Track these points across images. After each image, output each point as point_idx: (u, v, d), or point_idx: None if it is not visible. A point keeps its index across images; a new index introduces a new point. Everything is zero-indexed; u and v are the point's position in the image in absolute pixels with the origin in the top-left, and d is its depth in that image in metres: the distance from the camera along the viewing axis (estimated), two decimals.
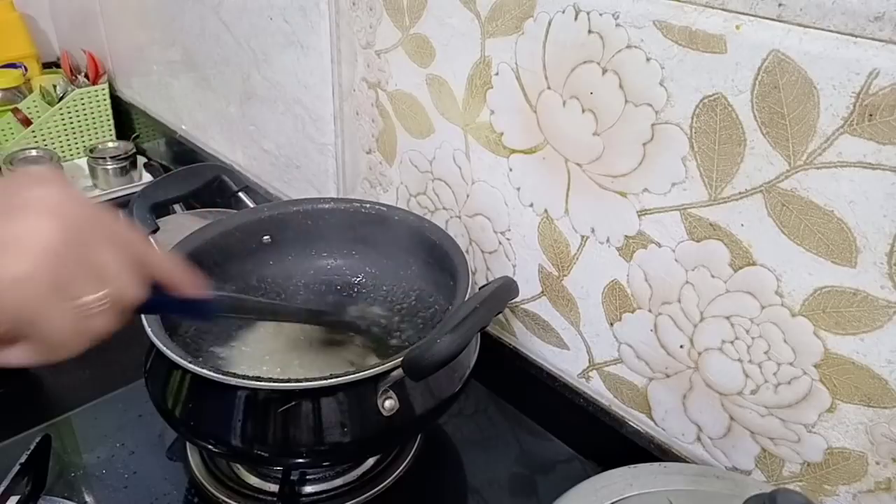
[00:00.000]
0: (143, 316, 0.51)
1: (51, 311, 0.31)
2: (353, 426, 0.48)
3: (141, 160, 1.15)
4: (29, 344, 0.32)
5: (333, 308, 0.65)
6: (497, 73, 0.57)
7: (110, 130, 1.22)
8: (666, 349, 0.54)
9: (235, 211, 0.67)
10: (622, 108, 0.49)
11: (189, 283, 0.40)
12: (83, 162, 1.14)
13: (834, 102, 0.39)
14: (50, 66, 1.38)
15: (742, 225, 0.46)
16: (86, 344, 0.33)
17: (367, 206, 0.67)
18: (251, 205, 0.68)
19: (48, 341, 0.32)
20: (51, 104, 1.16)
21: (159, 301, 0.38)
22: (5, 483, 0.52)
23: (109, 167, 1.10)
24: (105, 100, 1.19)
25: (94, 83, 1.19)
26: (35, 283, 0.30)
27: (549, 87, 0.53)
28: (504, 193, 0.62)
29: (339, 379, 0.47)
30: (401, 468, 0.60)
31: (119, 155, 1.10)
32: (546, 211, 0.59)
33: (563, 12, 0.50)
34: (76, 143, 1.19)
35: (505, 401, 0.69)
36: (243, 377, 0.46)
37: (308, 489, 0.58)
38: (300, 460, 0.50)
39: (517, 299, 0.65)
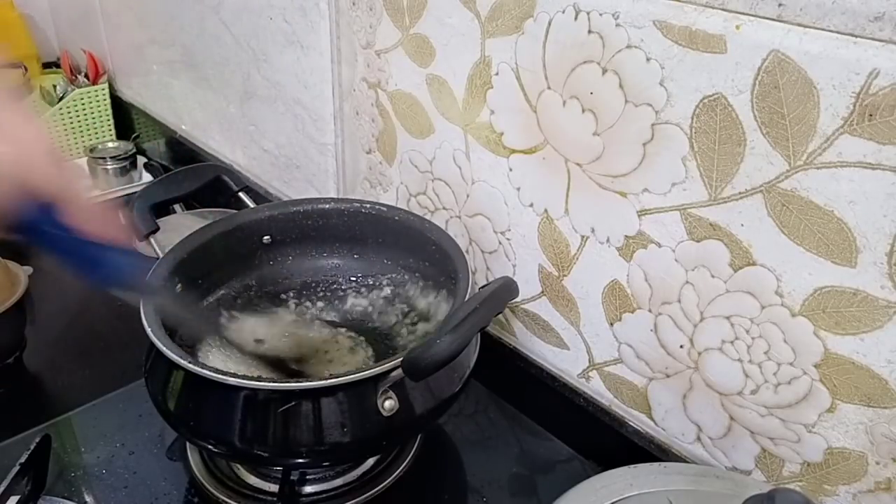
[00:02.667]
0: (143, 316, 0.51)
1: None
2: (353, 426, 0.48)
3: (141, 160, 1.15)
4: None
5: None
6: (497, 73, 0.57)
7: (110, 130, 1.22)
8: (666, 349, 0.54)
9: (235, 211, 0.67)
10: (622, 108, 0.49)
11: (84, 213, 0.35)
12: (83, 162, 1.14)
13: (834, 102, 0.39)
14: (50, 66, 1.38)
15: (742, 225, 0.46)
16: None
17: (367, 206, 0.67)
18: (251, 205, 0.68)
19: None
20: (51, 104, 1.16)
21: (46, 225, 0.33)
22: (5, 483, 0.52)
23: (109, 167, 1.10)
24: (105, 100, 1.19)
25: (94, 83, 1.19)
26: None
27: (549, 87, 0.53)
28: (504, 193, 0.62)
29: (339, 379, 0.47)
30: (401, 468, 0.60)
31: (119, 155, 1.10)
32: (546, 211, 0.59)
33: (563, 12, 0.50)
34: (76, 143, 1.19)
35: (505, 401, 0.69)
36: (243, 377, 0.46)
37: (308, 489, 0.58)
38: (300, 460, 0.50)
39: (517, 299, 0.65)
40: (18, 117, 0.33)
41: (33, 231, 0.34)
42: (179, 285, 0.59)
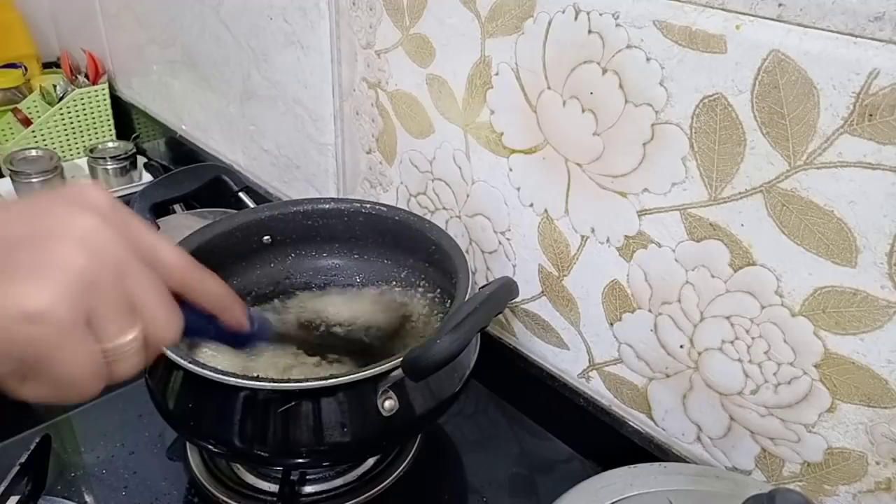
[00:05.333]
0: None
1: (69, 351, 0.27)
2: (353, 426, 0.48)
3: (141, 160, 1.15)
4: (40, 383, 0.29)
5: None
6: (497, 73, 0.57)
7: (110, 130, 1.22)
8: (666, 349, 0.54)
9: (235, 211, 0.67)
10: (622, 108, 0.49)
11: (235, 317, 0.37)
12: (83, 162, 1.14)
13: (834, 102, 0.39)
14: (50, 66, 1.38)
15: (742, 225, 0.46)
16: (102, 385, 0.30)
17: (367, 206, 0.67)
18: (251, 205, 0.68)
19: (61, 384, 0.29)
20: (51, 104, 1.16)
21: (196, 327, 0.36)
22: (5, 483, 0.52)
23: (109, 167, 1.10)
24: (105, 100, 1.19)
25: (94, 83, 1.19)
26: (55, 319, 0.26)
27: (549, 87, 0.53)
28: (504, 193, 0.62)
29: (339, 379, 0.47)
30: (401, 468, 0.60)
31: (119, 155, 1.10)
32: (546, 211, 0.59)
33: (563, 12, 0.50)
34: (76, 143, 1.19)
35: (505, 401, 0.69)
36: (243, 377, 0.46)
37: (308, 489, 0.58)
38: (300, 460, 0.50)
39: (517, 299, 0.65)
40: (158, 248, 0.33)
41: (196, 337, 0.39)
42: None
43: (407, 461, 0.61)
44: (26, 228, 0.28)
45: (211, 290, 0.35)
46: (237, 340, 0.41)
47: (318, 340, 0.61)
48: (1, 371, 0.29)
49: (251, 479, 0.58)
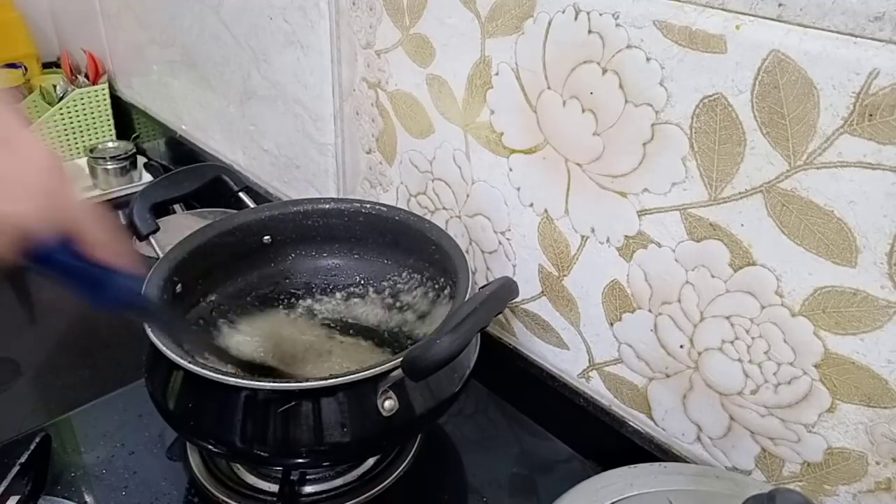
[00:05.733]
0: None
1: None
2: (352, 426, 0.48)
3: (141, 160, 1.15)
4: None
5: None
6: (497, 73, 0.57)
7: (110, 130, 1.22)
8: (666, 349, 0.54)
9: (235, 211, 0.67)
10: (622, 108, 0.49)
11: (111, 251, 0.36)
12: (83, 162, 1.14)
13: (834, 102, 0.39)
14: (50, 66, 1.38)
15: (742, 225, 0.46)
16: None
17: (367, 206, 0.67)
18: (251, 205, 0.68)
19: None
20: (51, 104, 1.16)
21: (61, 255, 0.34)
22: (5, 483, 0.52)
23: (109, 167, 1.10)
24: (105, 100, 1.19)
25: (94, 83, 1.19)
26: None
27: (549, 87, 0.53)
28: (504, 193, 0.62)
29: (339, 379, 0.47)
30: (401, 468, 0.60)
31: (119, 155, 1.10)
32: (546, 211, 0.59)
33: (563, 12, 0.50)
34: (76, 143, 1.19)
35: (505, 401, 0.69)
36: (243, 377, 0.46)
37: (308, 489, 0.58)
38: (300, 460, 0.50)
39: (517, 299, 0.65)
40: (38, 145, 0.33)
41: (48, 260, 0.35)
42: (179, 286, 0.59)
43: (407, 461, 0.61)
44: None
45: (79, 209, 0.35)
46: (93, 285, 0.38)
47: (201, 342, 0.58)
48: None
49: (251, 479, 0.58)
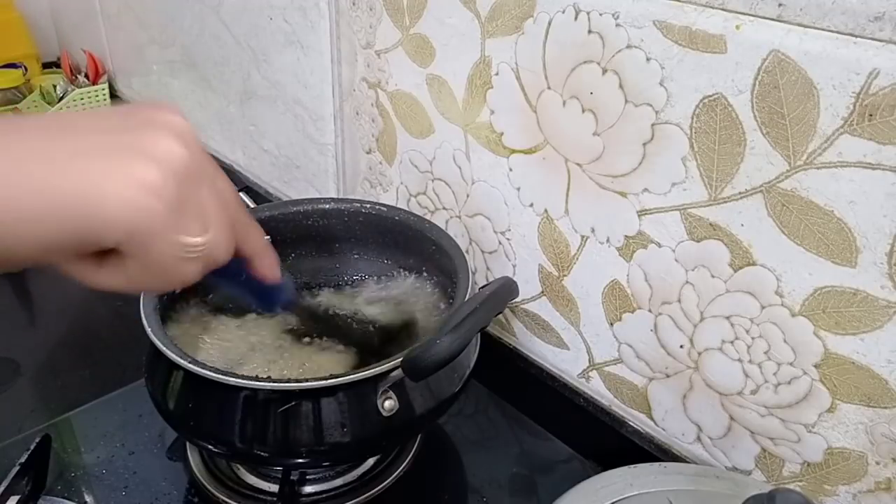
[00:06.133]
0: (143, 316, 0.51)
1: (162, 237, 0.30)
2: (352, 426, 0.48)
3: None
4: (124, 266, 0.31)
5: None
6: (497, 73, 0.57)
7: None
8: (666, 349, 0.54)
9: None
10: (622, 108, 0.49)
11: (271, 267, 0.39)
12: None
13: (834, 102, 0.39)
14: (50, 66, 1.38)
15: (742, 225, 0.46)
16: (168, 286, 0.33)
17: (367, 206, 0.67)
18: (251, 205, 0.68)
19: (147, 266, 0.31)
20: (51, 104, 1.16)
21: (235, 273, 0.38)
22: (5, 483, 0.52)
23: None
24: (105, 100, 1.19)
25: (94, 83, 1.19)
26: (160, 198, 0.29)
27: (549, 87, 0.53)
28: (504, 193, 0.62)
29: (339, 379, 0.47)
30: (401, 468, 0.60)
31: None
32: (546, 211, 0.59)
33: (563, 12, 0.50)
34: None
35: (505, 401, 0.69)
36: (243, 377, 0.46)
37: (308, 489, 0.58)
38: (300, 460, 0.50)
39: (517, 299, 0.65)
40: (225, 186, 0.35)
41: (225, 279, 0.38)
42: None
43: (407, 461, 0.61)
44: (122, 121, 0.30)
45: (254, 234, 0.37)
46: (262, 296, 0.42)
47: (321, 319, 0.62)
48: (84, 252, 0.30)
49: (251, 479, 0.58)
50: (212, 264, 0.34)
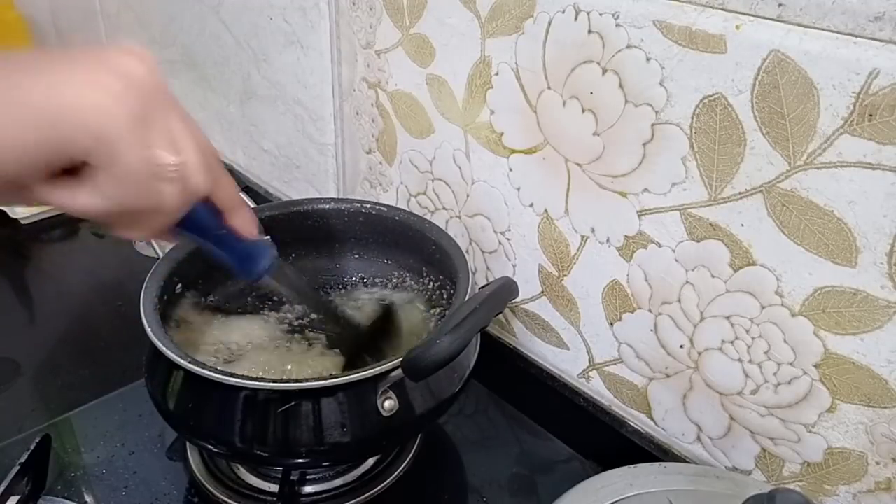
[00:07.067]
0: (143, 316, 0.51)
1: (130, 144, 0.30)
2: (352, 426, 0.48)
3: None
4: (99, 184, 0.31)
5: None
6: (497, 73, 0.57)
7: None
8: (666, 349, 0.54)
9: None
10: (622, 108, 0.49)
11: (247, 222, 0.39)
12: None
13: (834, 102, 0.39)
14: None
15: (742, 225, 0.46)
16: (149, 214, 0.33)
17: (367, 206, 0.67)
18: (251, 205, 0.68)
19: (120, 180, 0.31)
20: None
21: (211, 225, 0.36)
22: (5, 483, 0.52)
23: None
24: None
25: None
26: (124, 104, 0.30)
27: (549, 87, 0.53)
28: (504, 193, 0.62)
29: (339, 379, 0.47)
30: (401, 468, 0.60)
31: None
32: (546, 211, 0.59)
33: (563, 12, 0.50)
34: None
35: (505, 401, 0.69)
36: (243, 377, 0.46)
37: (308, 489, 0.58)
38: (300, 460, 0.50)
39: (517, 299, 0.65)
40: (194, 125, 0.35)
41: (199, 230, 0.37)
42: (179, 285, 0.59)
43: (407, 461, 0.61)
44: (87, 50, 0.32)
45: (228, 183, 0.37)
46: (241, 259, 0.41)
47: (322, 306, 0.61)
48: (56, 167, 0.31)
49: (251, 479, 0.58)
50: (190, 193, 0.34)
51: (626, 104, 0.49)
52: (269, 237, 0.44)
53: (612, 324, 0.58)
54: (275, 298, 0.67)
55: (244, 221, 0.40)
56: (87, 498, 0.57)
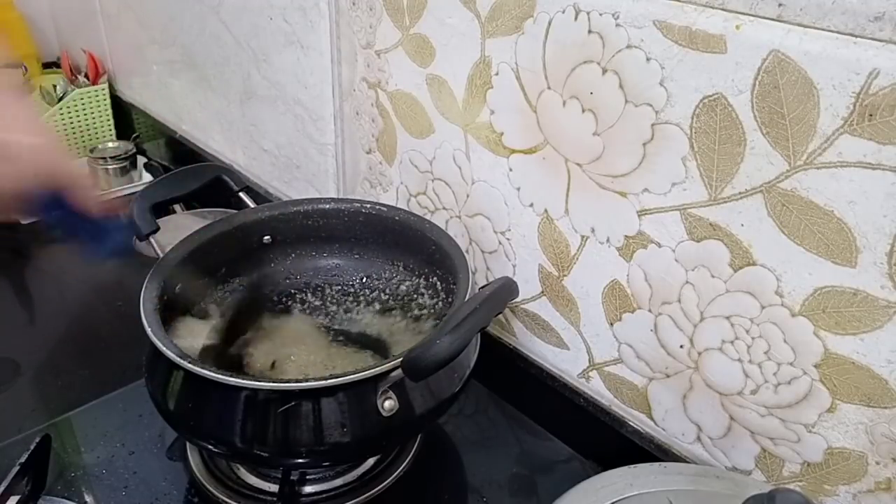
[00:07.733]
0: (143, 316, 0.51)
1: None
2: (352, 426, 0.48)
3: (141, 160, 1.15)
4: None
5: None
6: (497, 73, 0.57)
7: (110, 130, 1.22)
8: (666, 349, 0.54)
9: (235, 211, 0.67)
10: (622, 108, 0.49)
11: (88, 198, 0.40)
12: (83, 162, 1.14)
13: (834, 102, 0.39)
14: (50, 66, 1.38)
15: (742, 225, 0.46)
16: None
17: (367, 206, 0.67)
18: (251, 205, 0.68)
19: None
20: (51, 104, 1.16)
21: (57, 202, 0.38)
22: (5, 483, 0.52)
23: (109, 167, 1.10)
24: (105, 100, 1.19)
25: (94, 83, 1.19)
26: None
27: (549, 87, 0.53)
28: (504, 193, 0.62)
29: (339, 379, 0.47)
30: (401, 468, 0.60)
31: (119, 155, 1.10)
32: (546, 211, 0.59)
33: (563, 12, 0.50)
34: (76, 143, 1.19)
35: (505, 401, 0.69)
36: (243, 377, 0.46)
37: (308, 489, 0.58)
38: (300, 460, 0.50)
39: (517, 299, 0.65)
40: (31, 112, 0.35)
41: (47, 213, 0.39)
42: (179, 285, 0.59)
43: (407, 461, 0.61)
44: None
45: (67, 161, 0.39)
46: (92, 235, 0.42)
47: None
48: None
49: (251, 479, 0.58)
50: (21, 171, 0.34)
51: (626, 104, 0.49)
52: (119, 216, 0.46)
53: (612, 324, 0.58)
54: (282, 296, 0.68)
55: (86, 197, 0.41)
56: (87, 498, 0.57)
